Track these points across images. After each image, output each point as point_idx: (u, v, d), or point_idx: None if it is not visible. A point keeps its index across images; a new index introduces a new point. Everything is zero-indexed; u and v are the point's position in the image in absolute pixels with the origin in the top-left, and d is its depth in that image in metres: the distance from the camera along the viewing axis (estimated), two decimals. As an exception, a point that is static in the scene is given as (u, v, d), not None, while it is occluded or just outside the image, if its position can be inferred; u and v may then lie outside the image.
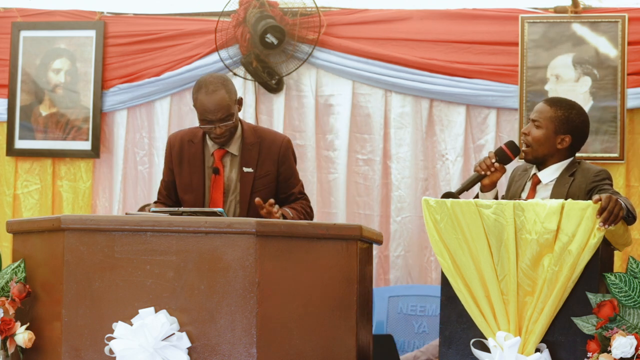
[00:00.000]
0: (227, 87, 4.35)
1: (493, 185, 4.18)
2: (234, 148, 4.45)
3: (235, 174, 4.44)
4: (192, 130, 4.56)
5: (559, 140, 4.15)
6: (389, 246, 5.85)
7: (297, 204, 4.49)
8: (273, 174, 4.46)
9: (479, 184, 4.23)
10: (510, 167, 4.31)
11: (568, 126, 4.15)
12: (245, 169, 4.43)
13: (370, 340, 4.12)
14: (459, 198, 3.82)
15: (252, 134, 4.48)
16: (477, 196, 4.22)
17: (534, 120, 4.17)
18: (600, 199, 3.53)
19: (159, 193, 4.64)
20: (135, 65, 6.06)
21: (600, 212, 3.51)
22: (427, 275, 5.80)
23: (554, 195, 4.09)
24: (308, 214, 4.53)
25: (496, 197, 4.20)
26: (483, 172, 4.14)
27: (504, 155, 4.16)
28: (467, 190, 4.15)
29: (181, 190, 4.49)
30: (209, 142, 4.47)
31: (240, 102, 4.44)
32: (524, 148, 4.18)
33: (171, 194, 4.55)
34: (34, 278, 3.87)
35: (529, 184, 4.22)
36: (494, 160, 4.13)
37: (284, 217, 4.29)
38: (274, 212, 4.21)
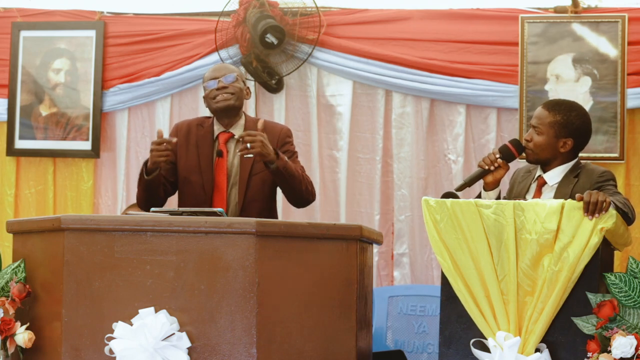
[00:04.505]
0: (235, 66, 4.65)
1: (496, 183, 4.18)
2: (237, 131, 4.52)
3: (237, 159, 4.49)
4: (202, 118, 4.69)
5: (561, 144, 4.15)
6: (392, 245, 5.86)
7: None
8: None
9: (481, 183, 4.22)
10: (512, 168, 4.31)
11: (568, 130, 4.15)
12: (246, 155, 4.45)
13: (370, 340, 4.12)
14: (458, 197, 3.82)
15: (255, 124, 4.52)
16: (479, 195, 4.23)
17: (534, 127, 4.16)
18: (582, 197, 3.58)
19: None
20: (135, 65, 6.06)
21: (585, 207, 3.55)
22: (429, 273, 5.80)
23: (558, 195, 4.09)
24: (309, 183, 4.54)
25: (499, 197, 4.20)
26: (487, 167, 4.13)
27: (508, 153, 4.16)
28: (469, 186, 4.14)
29: (186, 171, 4.50)
30: (215, 126, 4.55)
31: (247, 90, 4.60)
32: (527, 150, 4.18)
33: (164, 174, 4.52)
34: (34, 278, 3.87)
35: (533, 186, 4.22)
36: (498, 156, 4.13)
37: (278, 157, 4.32)
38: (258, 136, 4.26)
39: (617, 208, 3.71)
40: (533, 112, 5.52)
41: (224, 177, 4.47)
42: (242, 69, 5.92)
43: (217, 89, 4.48)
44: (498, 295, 3.60)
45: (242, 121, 4.57)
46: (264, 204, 4.47)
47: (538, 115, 4.18)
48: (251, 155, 4.40)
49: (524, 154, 4.21)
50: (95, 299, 3.71)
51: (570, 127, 4.15)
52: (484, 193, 4.20)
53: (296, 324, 3.70)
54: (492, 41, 5.77)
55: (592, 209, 3.55)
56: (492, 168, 4.14)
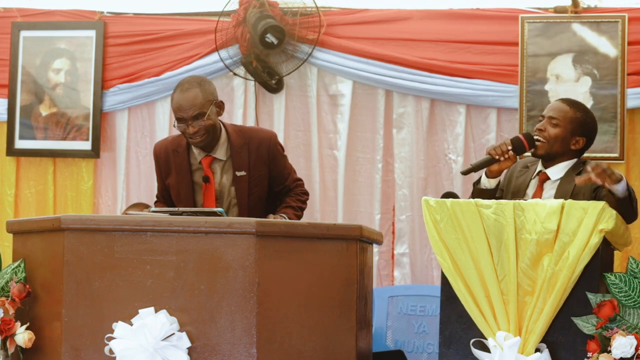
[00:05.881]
0: (203, 87, 4.31)
1: (500, 172, 4.20)
2: (220, 153, 4.42)
3: (227, 179, 4.42)
4: (176, 139, 4.51)
5: (573, 142, 4.19)
6: (392, 245, 5.86)
7: (293, 199, 4.49)
8: (265, 173, 4.45)
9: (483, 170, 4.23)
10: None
11: (584, 129, 4.21)
12: (238, 173, 4.40)
13: (370, 340, 4.12)
14: (458, 197, 3.82)
15: (239, 136, 4.44)
16: (479, 180, 4.23)
17: (551, 118, 4.19)
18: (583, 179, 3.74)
19: (157, 197, 4.63)
20: (135, 65, 6.06)
21: (593, 170, 3.69)
22: (429, 273, 5.81)
23: (560, 191, 4.11)
24: (304, 202, 4.54)
25: (498, 185, 4.21)
26: (497, 157, 4.13)
27: (520, 145, 4.16)
28: (475, 172, 4.15)
29: (176, 202, 4.48)
30: (195, 151, 4.44)
31: (219, 105, 4.38)
32: (538, 143, 4.19)
33: (167, 201, 4.54)
34: (34, 278, 3.87)
35: (534, 181, 4.23)
36: (510, 148, 4.13)
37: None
38: None
39: (629, 192, 3.78)
40: (533, 112, 5.56)
41: (213, 201, 4.39)
42: (242, 68, 5.92)
43: (188, 132, 4.29)
44: (498, 295, 3.60)
45: (223, 139, 4.42)
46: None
47: (558, 108, 4.21)
48: (244, 173, 4.38)
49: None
50: (95, 299, 3.71)
51: (586, 127, 4.22)
52: (484, 179, 4.20)
53: (296, 324, 3.70)
54: (492, 41, 5.77)
55: (600, 172, 3.68)
56: (502, 159, 4.14)
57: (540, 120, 4.24)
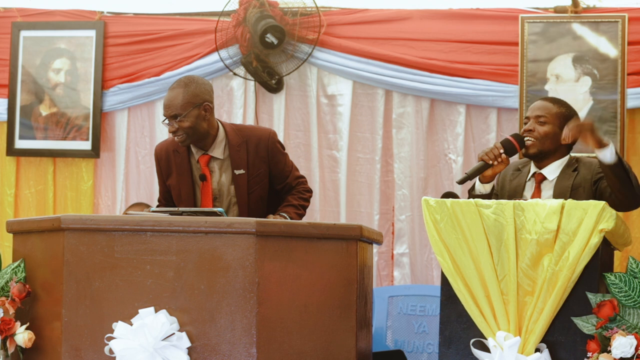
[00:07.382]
0: (187, 88, 4.31)
1: (494, 177, 4.21)
2: (217, 152, 4.41)
3: (226, 177, 4.42)
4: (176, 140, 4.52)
5: (563, 136, 4.19)
6: (392, 245, 5.86)
7: (294, 197, 4.48)
8: (264, 172, 4.44)
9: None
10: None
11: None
12: (237, 172, 4.40)
13: (370, 340, 4.12)
14: (458, 197, 3.82)
15: (237, 134, 4.44)
16: (473, 187, 4.23)
17: (538, 117, 4.20)
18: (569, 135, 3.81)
19: (159, 201, 4.63)
20: (135, 65, 6.07)
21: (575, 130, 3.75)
22: (429, 273, 5.81)
23: (558, 189, 4.12)
24: (307, 200, 4.53)
25: (492, 189, 4.22)
26: (490, 162, 4.13)
27: (510, 147, 4.16)
28: (471, 179, 4.15)
29: (177, 202, 4.48)
30: (194, 150, 4.45)
31: (206, 108, 4.34)
32: (528, 142, 4.19)
33: (169, 203, 4.54)
34: (34, 278, 3.87)
35: (530, 183, 4.23)
36: (501, 151, 4.13)
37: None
38: None
39: (618, 157, 3.79)
40: (533, 112, 5.56)
41: (209, 200, 4.39)
42: (242, 68, 5.92)
43: (170, 131, 4.36)
44: (498, 295, 3.60)
45: (220, 137, 4.41)
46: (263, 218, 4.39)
47: (542, 107, 4.22)
48: (243, 171, 4.38)
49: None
50: (95, 299, 3.71)
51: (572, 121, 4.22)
52: (479, 185, 4.21)
53: (296, 324, 3.70)
54: (492, 41, 5.78)
55: (582, 133, 3.75)
56: (495, 163, 4.14)
57: (526, 123, 4.24)
